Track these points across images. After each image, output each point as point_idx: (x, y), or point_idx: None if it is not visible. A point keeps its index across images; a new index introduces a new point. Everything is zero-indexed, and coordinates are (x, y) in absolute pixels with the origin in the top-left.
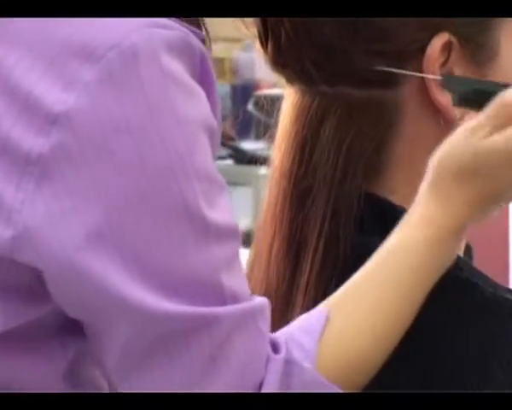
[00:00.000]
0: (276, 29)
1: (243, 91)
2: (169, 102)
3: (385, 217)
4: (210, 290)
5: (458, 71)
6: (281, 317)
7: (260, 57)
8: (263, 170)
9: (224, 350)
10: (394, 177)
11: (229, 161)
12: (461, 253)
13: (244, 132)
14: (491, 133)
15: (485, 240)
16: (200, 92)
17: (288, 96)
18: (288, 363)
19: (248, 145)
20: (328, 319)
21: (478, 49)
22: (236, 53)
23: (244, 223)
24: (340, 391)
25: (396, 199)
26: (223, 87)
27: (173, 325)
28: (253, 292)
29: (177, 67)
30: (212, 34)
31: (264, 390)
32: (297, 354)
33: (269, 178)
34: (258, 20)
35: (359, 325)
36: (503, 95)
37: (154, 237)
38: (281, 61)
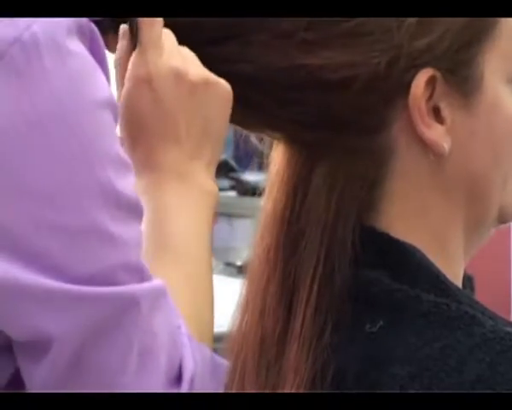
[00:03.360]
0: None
1: None
2: (75, 88)
3: (384, 249)
4: (132, 268)
5: (444, 105)
6: (276, 361)
7: None
8: None
9: (150, 328)
10: (388, 212)
11: (232, 193)
12: (459, 279)
13: (247, 164)
14: None
15: (487, 271)
16: (98, 70)
17: (278, 142)
18: (190, 338)
19: (251, 177)
20: None
21: (462, 81)
22: None
23: (246, 254)
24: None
25: (393, 233)
26: None
27: (104, 308)
28: (249, 337)
29: (77, 48)
30: None
31: (183, 365)
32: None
33: (261, 223)
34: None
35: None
36: None
37: (76, 224)
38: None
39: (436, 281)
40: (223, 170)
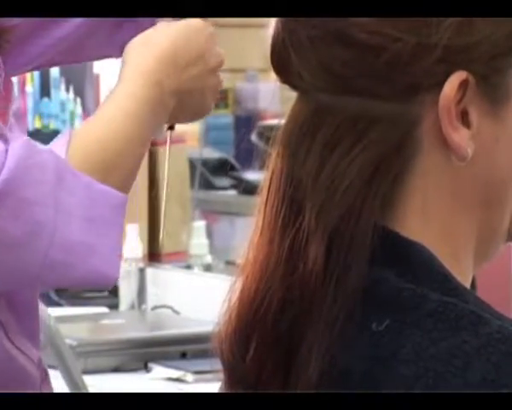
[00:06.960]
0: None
1: (247, 122)
2: None
3: (392, 248)
4: None
5: (472, 109)
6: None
7: (264, 87)
8: None
9: None
10: (404, 210)
11: (233, 192)
12: (468, 285)
13: (248, 163)
14: None
15: (488, 271)
16: None
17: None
18: (28, 143)
19: (252, 176)
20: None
21: (493, 89)
22: (240, 83)
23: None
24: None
25: (404, 232)
26: (226, 118)
27: None
28: None
29: None
30: None
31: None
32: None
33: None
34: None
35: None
36: None
37: None
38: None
39: (444, 280)
40: (223, 169)
